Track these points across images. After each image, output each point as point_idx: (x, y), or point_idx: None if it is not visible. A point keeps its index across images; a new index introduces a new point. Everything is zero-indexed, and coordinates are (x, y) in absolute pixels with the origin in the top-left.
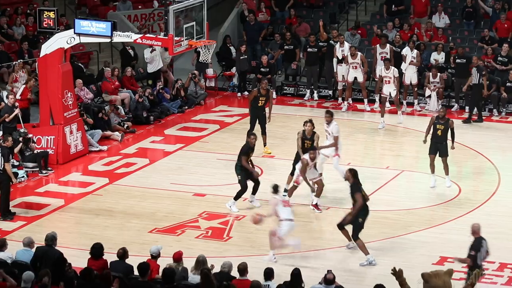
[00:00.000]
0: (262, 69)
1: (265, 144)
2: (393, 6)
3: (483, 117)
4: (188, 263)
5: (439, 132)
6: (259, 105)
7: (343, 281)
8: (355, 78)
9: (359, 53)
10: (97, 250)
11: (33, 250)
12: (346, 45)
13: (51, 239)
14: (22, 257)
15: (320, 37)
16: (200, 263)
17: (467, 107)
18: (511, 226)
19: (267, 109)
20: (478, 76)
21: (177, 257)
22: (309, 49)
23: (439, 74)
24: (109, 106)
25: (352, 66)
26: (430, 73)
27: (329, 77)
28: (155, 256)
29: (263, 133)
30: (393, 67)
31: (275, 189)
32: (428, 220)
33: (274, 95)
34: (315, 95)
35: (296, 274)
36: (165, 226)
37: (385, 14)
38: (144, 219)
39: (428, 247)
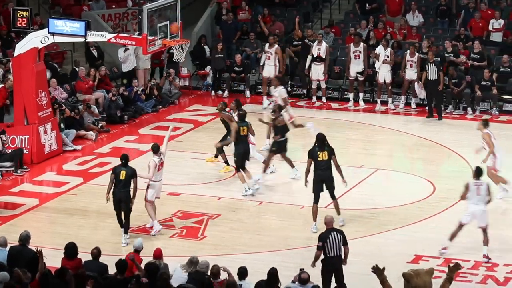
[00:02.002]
0: (236, 68)
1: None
2: (367, 4)
3: (458, 115)
4: (167, 262)
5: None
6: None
7: (319, 280)
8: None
9: (276, 45)
10: (71, 250)
11: (7, 249)
12: (324, 44)
13: (25, 239)
14: None
15: (294, 35)
16: (193, 264)
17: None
18: None
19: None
20: (436, 72)
21: (158, 255)
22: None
23: (417, 53)
24: (82, 105)
25: (267, 56)
26: (408, 51)
27: (303, 75)
28: (138, 251)
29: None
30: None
31: (155, 149)
32: (402, 219)
33: (248, 94)
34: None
35: (272, 274)
36: (140, 226)
37: (359, 12)
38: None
39: (403, 246)
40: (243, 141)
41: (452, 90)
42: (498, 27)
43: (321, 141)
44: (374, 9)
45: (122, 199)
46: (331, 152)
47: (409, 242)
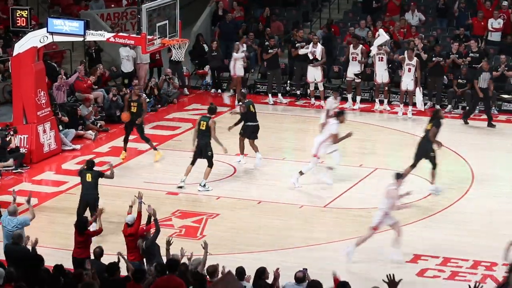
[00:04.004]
0: None
1: (125, 150)
2: (374, 2)
3: (457, 115)
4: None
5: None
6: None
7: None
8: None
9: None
10: (79, 224)
11: (17, 218)
12: (319, 46)
13: (17, 237)
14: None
15: (293, 36)
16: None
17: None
18: (484, 223)
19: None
20: (487, 80)
21: (142, 233)
22: (270, 51)
23: (415, 58)
24: (89, 106)
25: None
26: (406, 55)
27: (298, 77)
28: (130, 225)
29: (125, 140)
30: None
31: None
32: (402, 219)
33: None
34: (282, 98)
35: (260, 271)
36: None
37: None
38: (117, 218)
39: (402, 245)
40: (201, 136)
41: (456, 91)
42: (498, 26)
43: (434, 115)
44: (378, 8)
45: (90, 202)
46: (433, 126)
47: (408, 242)
